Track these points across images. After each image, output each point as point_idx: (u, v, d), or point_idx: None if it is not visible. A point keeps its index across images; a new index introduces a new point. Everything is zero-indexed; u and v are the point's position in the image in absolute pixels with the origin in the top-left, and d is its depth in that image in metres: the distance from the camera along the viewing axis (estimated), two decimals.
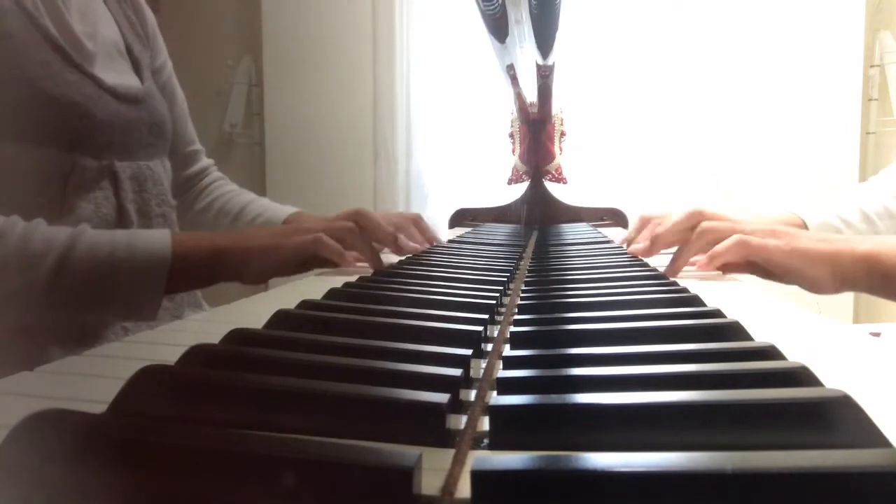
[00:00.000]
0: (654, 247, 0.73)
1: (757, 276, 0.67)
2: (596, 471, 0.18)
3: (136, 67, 0.81)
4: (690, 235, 0.68)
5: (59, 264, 0.55)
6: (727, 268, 0.67)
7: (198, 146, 0.98)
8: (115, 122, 0.72)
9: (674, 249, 0.70)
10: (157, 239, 0.60)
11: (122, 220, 0.72)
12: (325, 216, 0.78)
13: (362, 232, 0.71)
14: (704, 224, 0.67)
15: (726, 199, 1.98)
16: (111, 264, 0.57)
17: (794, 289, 0.64)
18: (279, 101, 2.29)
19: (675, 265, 0.68)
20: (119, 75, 0.76)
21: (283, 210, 0.93)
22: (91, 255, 0.57)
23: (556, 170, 1.37)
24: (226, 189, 0.99)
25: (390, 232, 0.76)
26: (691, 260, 0.69)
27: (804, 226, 0.84)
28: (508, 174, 1.43)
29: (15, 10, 0.64)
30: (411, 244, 0.79)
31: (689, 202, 0.75)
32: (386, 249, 0.79)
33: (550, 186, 1.37)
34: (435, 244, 0.90)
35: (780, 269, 0.62)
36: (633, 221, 0.92)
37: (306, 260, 0.67)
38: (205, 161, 0.99)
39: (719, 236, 0.65)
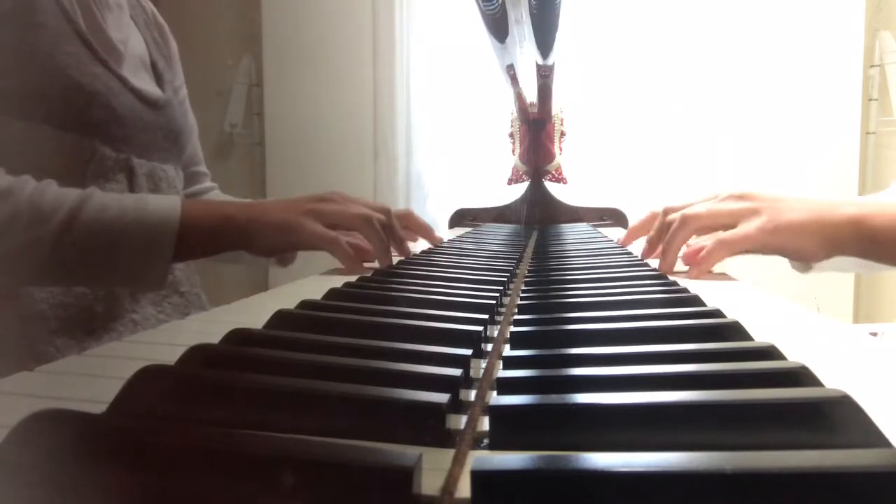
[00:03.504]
0: (667, 262, 0.69)
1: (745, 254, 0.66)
2: (596, 471, 0.18)
3: (159, 81, 0.84)
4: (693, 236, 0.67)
5: (68, 222, 0.56)
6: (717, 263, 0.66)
7: (204, 168, 1.01)
8: (134, 119, 0.74)
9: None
10: (167, 203, 0.60)
11: None
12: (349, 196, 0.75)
13: (384, 224, 0.70)
14: (684, 212, 0.66)
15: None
16: (119, 226, 0.58)
17: (795, 288, 0.64)
18: (279, 101, 2.29)
19: (666, 261, 0.67)
20: (143, 82, 0.79)
21: None
22: (100, 216, 0.57)
23: (556, 170, 1.37)
24: (213, 194, 1.02)
25: (401, 239, 0.75)
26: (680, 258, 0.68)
27: None
28: (508, 174, 1.43)
29: (51, 4, 0.67)
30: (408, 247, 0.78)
31: (714, 187, 0.72)
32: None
33: (550, 186, 1.37)
34: (431, 239, 0.90)
35: (765, 249, 0.61)
36: (633, 221, 0.91)
37: (314, 248, 0.67)
38: (208, 183, 1.01)
39: (701, 222, 0.65)
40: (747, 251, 0.63)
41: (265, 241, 0.64)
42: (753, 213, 0.61)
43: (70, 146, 0.67)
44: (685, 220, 0.65)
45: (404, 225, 0.84)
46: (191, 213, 0.60)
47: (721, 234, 0.62)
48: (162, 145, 0.80)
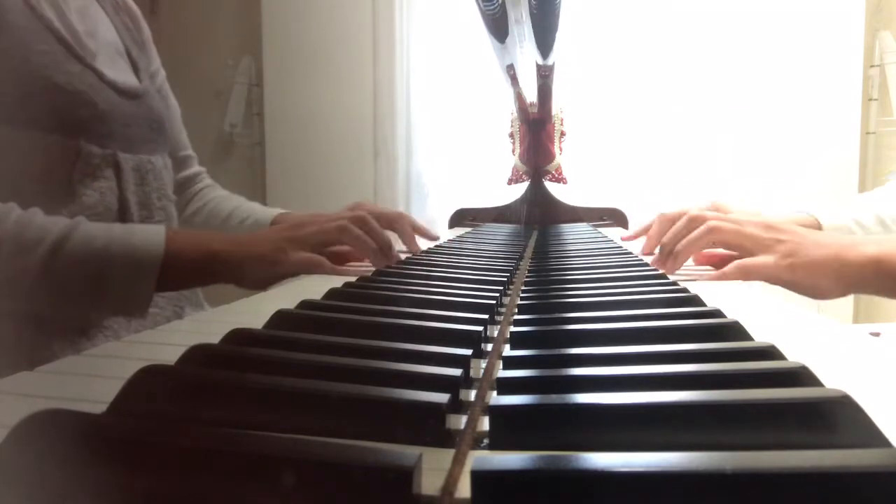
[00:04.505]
0: (677, 263, 0.70)
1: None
2: (596, 471, 0.18)
3: (134, 68, 0.82)
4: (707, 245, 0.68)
5: (53, 252, 0.56)
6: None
7: (190, 152, 1.00)
8: (116, 113, 0.73)
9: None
10: (152, 235, 0.60)
11: (123, 211, 0.73)
12: (325, 213, 0.77)
13: (361, 226, 0.70)
14: (711, 223, 0.67)
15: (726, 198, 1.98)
16: (104, 256, 0.57)
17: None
18: (279, 101, 2.28)
19: (676, 262, 0.68)
20: (118, 73, 0.77)
21: (271, 212, 0.95)
22: (85, 246, 0.57)
23: (556, 170, 1.37)
24: (215, 193, 1.01)
25: (386, 240, 0.75)
26: (688, 265, 0.69)
27: (819, 227, 0.83)
28: (508, 174, 1.43)
29: (18, 2, 0.66)
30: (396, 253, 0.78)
31: (689, 199, 0.74)
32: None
33: (550, 186, 1.37)
34: (431, 240, 0.90)
35: (782, 283, 0.62)
36: (633, 221, 0.91)
37: (304, 272, 0.69)
38: (196, 167, 1.01)
39: (723, 237, 0.66)
40: (765, 281, 0.64)
41: (251, 274, 0.65)
42: (775, 245, 0.62)
43: (55, 147, 0.66)
44: (710, 230, 0.66)
45: (392, 228, 0.84)
46: (176, 246, 0.60)
47: (741, 261, 0.63)
48: (147, 136, 0.79)
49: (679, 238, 0.69)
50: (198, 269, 0.63)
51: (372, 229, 0.71)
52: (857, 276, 0.58)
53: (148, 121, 0.79)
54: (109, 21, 0.81)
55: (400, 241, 0.85)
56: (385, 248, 0.71)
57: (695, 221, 0.68)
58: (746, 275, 0.63)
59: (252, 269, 0.64)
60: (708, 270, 0.70)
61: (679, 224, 0.70)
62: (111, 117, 0.72)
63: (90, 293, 0.58)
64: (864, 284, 0.59)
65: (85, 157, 0.69)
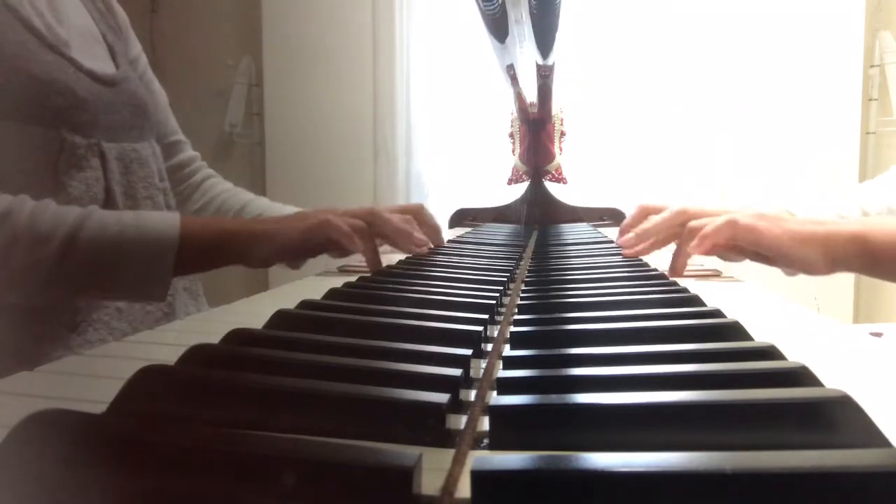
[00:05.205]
0: (639, 241, 0.74)
1: (749, 259, 0.66)
2: (596, 471, 0.18)
3: (111, 54, 0.81)
4: (678, 232, 0.68)
5: (68, 243, 0.56)
6: (717, 250, 0.66)
7: (181, 137, 0.97)
8: (97, 101, 0.72)
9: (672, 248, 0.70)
10: (166, 220, 0.61)
11: (109, 202, 0.72)
12: (337, 208, 0.77)
13: (372, 231, 0.70)
14: (691, 223, 0.67)
15: (725, 198, 1.99)
16: (120, 244, 0.58)
17: (794, 288, 0.64)
18: (279, 101, 2.29)
19: (675, 266, 0.68)
20: (94, 60, 0.76)
21: (284, 209, 0.93)
22: (100, 235, 0.57)
23: (556, 170, 1.37)
24: (223, 188, 0.99)
25: (406, 235, 0.75)
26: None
27: None
28: (508, 174, 1.43)
29: None
30: (422, 248, 0.78)
31: (688, 200, 0.75)
32: (386, 248, 0.79)
33: (550, 186, 1.37)
34: (438, 238, 0.90)
35: (770, 250, 0.62)
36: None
37: (314, 246, 0.67)
38: (189, 152, 0.98)
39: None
40: (752, 248, 0.63)
41: (261, 252, 0.65)
42: (761, 217, 0.63)
43: (37, 139, 0.66)
44: (691, 231, 0.67)
45: (419, 221, 0.83)
46: (189, 229, 0.61)
47: (732, 215, 0.63)
48: (130, 123, 0.78)
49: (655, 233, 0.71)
50: (211, 250, 0.63)
51: (392, 233, 0.73)
52: (842, 252, 0.58)
53: (130, 107, 0.78)
54: (82, 6, 0.80)
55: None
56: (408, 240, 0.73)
57: (676, 220, 0.70)
58: (734, 228, 0.62)
59: (263, 244, 0.64)
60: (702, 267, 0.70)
61: (658, 224, 0.72)
62: (92, 106, 0.71)
63: (108, 281, 0.58)
64: (848, 260, 0.59)
65: (69, 148, 0.68)
